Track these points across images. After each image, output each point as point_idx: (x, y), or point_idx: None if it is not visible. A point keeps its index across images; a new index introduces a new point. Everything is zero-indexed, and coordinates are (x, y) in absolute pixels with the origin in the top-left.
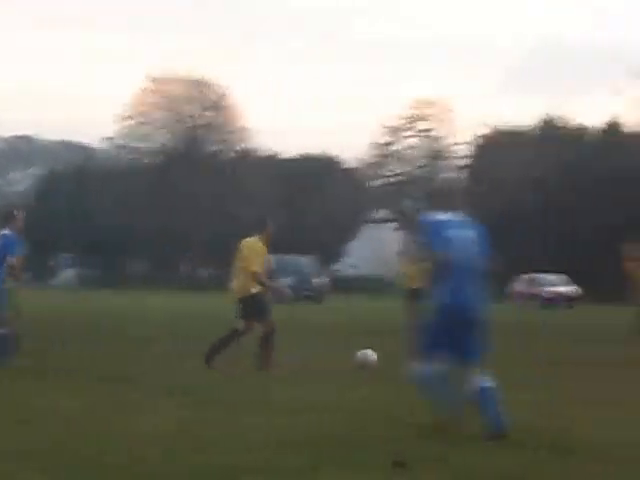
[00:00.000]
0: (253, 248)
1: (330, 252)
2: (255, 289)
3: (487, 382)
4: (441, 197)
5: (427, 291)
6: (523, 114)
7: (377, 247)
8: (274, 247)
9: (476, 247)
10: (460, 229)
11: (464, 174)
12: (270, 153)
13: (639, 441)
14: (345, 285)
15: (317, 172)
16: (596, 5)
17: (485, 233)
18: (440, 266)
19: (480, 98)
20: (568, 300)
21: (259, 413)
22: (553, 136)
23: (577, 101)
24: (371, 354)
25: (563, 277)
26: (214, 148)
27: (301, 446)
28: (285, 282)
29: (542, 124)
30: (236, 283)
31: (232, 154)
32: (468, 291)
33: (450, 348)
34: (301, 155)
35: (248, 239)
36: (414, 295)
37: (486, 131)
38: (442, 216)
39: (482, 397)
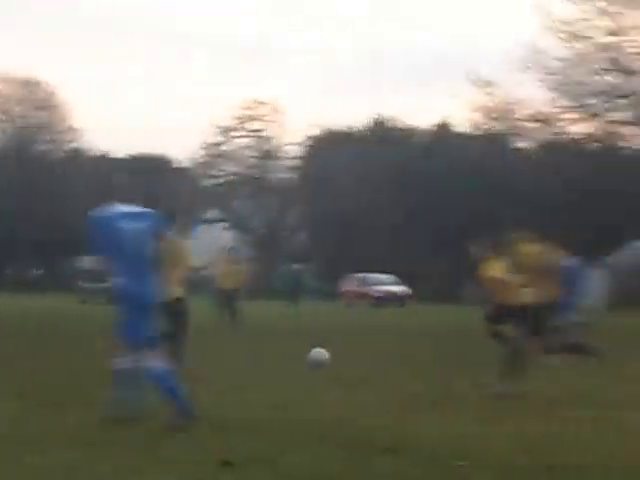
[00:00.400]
0: (182, 244)
1: None
2: (179, 293)
3: (163, 366)
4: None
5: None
6: (355, 115)
7: (209, 247)
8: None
9: (149, 237)
10: (132, 220)
11: (295, 174)
12: (101, 153)
13: (465, 442)
14: None
15: (149, 172)
16: (428, 8)
17: (160, 222)
18: (114, 257)
19: (312, 99)
20: (399, 299)
21: (87, 412)
22: (384, 136)
23: (410, 102)
24: (324, 352)
25: (392, 277)
26: (43, 148)
27: (127, 445)
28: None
29: (373, 125)
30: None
31: (62, 154)
32: (142, 279)
33: (131, 333)
34: (133, 155)
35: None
36: (227, 295)
37: (317, 132)
38: (115, 209)
39: (162, 381)
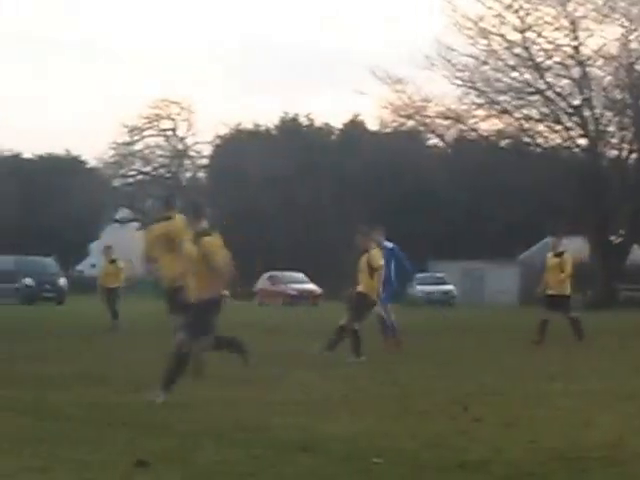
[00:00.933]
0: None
1: (75, 252)
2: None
3: None
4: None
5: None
6: (264, 114)
7: (120, 247)
8: (14, 248)
9: None
10: None
11: (206, 173)
12: (11, 153)
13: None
14: (87, 285)
15: (60, 171)
16: (330, 9)
17: None
18: None
19: (222, 98)
20: (314, 298)
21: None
22: (293, 134)
23: (319, 101)
24: None
25: (302, 275)
26: None
27: (33, 445)
28: (27, 282)
29: (282, 123)
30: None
31: None
32: None
33: None
34: (43, 154)
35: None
36: (110, 294)
37: (227, 130)
38: None
39: None
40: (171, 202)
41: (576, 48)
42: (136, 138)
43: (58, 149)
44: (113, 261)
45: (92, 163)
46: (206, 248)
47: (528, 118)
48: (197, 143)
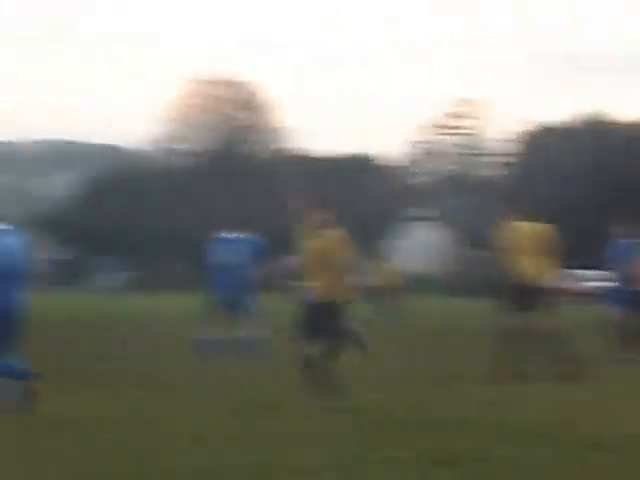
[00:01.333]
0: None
1: (365, 250)
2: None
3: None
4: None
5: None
6: (556, 112)
7: (423, 245)
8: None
9: (20, 253)
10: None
11: (506, 171)
12: (305, 152)
13: None
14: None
15: (353, 171)
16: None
17: (28, 241)
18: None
19: (514, 97)
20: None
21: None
22: (602, 132)
23: (613, 100)
24: None
25: (598, 272)
26: (249, 149)
27: (344, 441)
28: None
29: (588, 121)
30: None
31: (267, 154)
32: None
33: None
34: (337, 154)
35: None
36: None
37: (529, 128)
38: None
39: None
40: (517, 206)
41: None
42: (433, 137)
43: (352, 148)
44: (390, 261)
45: (387, 162)
46: (327, 242)
47: None
48: (495, 141)
